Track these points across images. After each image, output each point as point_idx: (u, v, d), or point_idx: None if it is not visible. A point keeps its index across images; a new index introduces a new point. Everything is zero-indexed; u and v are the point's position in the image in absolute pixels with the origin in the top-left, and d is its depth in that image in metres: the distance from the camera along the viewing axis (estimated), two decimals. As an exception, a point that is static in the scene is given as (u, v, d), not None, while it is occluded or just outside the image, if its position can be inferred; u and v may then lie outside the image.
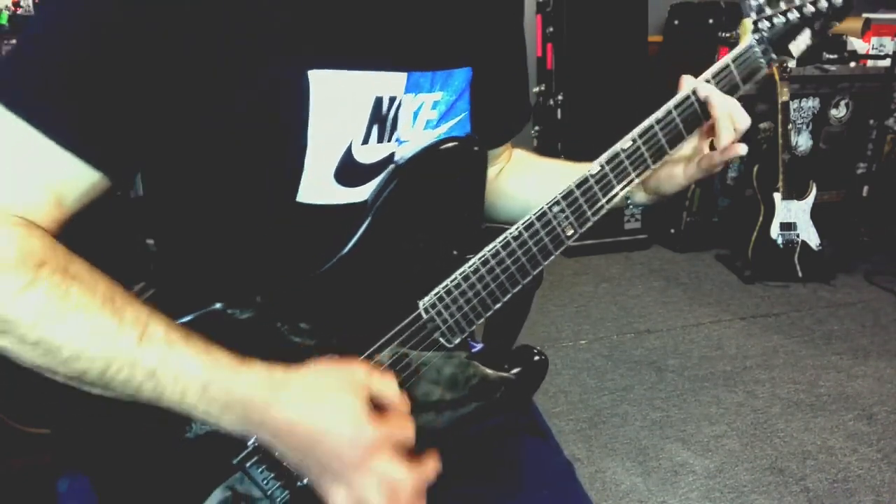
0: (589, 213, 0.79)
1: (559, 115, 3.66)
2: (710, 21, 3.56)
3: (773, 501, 1.93)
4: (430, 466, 0.69)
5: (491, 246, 0.77)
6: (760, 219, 3.32)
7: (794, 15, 0.83)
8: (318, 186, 0.72)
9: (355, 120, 0.72)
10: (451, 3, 0.79)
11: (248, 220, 0.73)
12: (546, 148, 3.72)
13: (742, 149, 0.80)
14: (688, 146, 0.84)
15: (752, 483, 2.00)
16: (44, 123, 0.60)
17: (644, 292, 3.31)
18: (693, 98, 0.80)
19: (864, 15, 3.79)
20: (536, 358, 0.85)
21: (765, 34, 0.83)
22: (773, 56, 0.84)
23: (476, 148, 0.79)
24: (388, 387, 0.69)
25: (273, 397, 0.65)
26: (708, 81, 0.81)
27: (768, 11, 0.84)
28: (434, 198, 0.79)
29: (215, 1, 0.62)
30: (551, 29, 3.59)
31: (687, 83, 0.81)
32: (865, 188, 3.58)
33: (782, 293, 3.30)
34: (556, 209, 0.78)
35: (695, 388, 2.49)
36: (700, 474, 2.04)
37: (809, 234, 3.32)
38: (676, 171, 0.85)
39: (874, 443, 2.19)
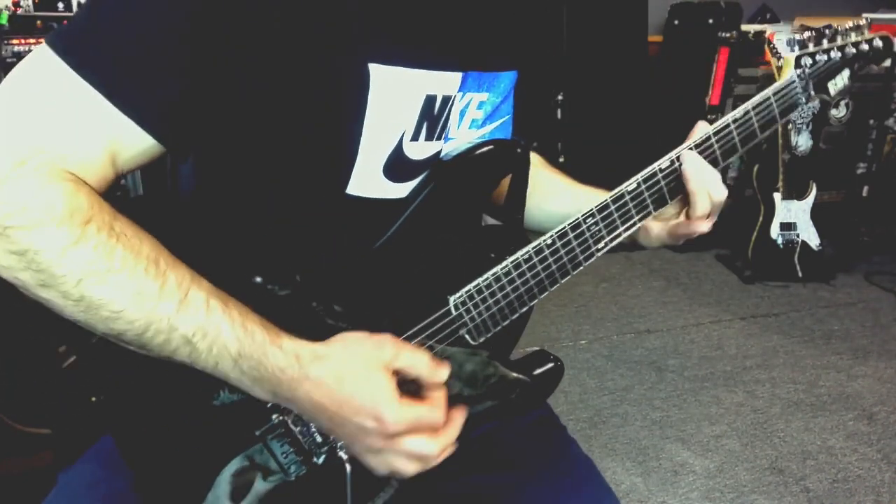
0: (621, 229, 0.81)
1: (559, 115, 3.67)
2: (710, 21, 3.56)
3: (773, 501, 1.93)
4: (458, 421, 0.71)
5: (524, 251, 0.79)
6: (760, 219, 3.32)
7: (836, 55, 0.86)
8: (368, 180, 0.74)
9: (407, 116, 0.73)
10: (503, 9, 0.82)
11: (295, 209, 0.75)
12: (546, 148, 3.73)
13: (706, 226, 0.82)
14: (672, 208, 0.85)
15: (752, 483, 2.00)
16: (109, 88, 0.60)
17: (644, 292, 3.31)
18: (679, 167, 0.82)
19: (864, 15, 3.79)
20: (553, 364, 0.88)
21: (807, 70, 0.85)
22: (812, 93, 0.86)
23: (519, 150, 0.81)
24: (418, 361, 0.69)
25: (302, 375, 0.66)
26: (747, 112, 0.82)
27: (811, 48, 0.85)
28: (474, 198, 0.81)
29: None
30: (551, 29, 3.60)
31: (700, 129, 0.83)
32: (865, 188, 3.58)
33: (782, 293, 3.30)
34: (590, 221, 0.80)
35: (695, 388, 2.49)
36: (700, 474, 2.04)
37: (809, 234, 3.32)
38: (652, 228, 0.87)
39: (874, 443, 2.19)
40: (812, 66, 0.85)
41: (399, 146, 0.74)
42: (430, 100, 0.74)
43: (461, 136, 0.82)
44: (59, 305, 0.60)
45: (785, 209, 3.29)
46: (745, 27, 3.65)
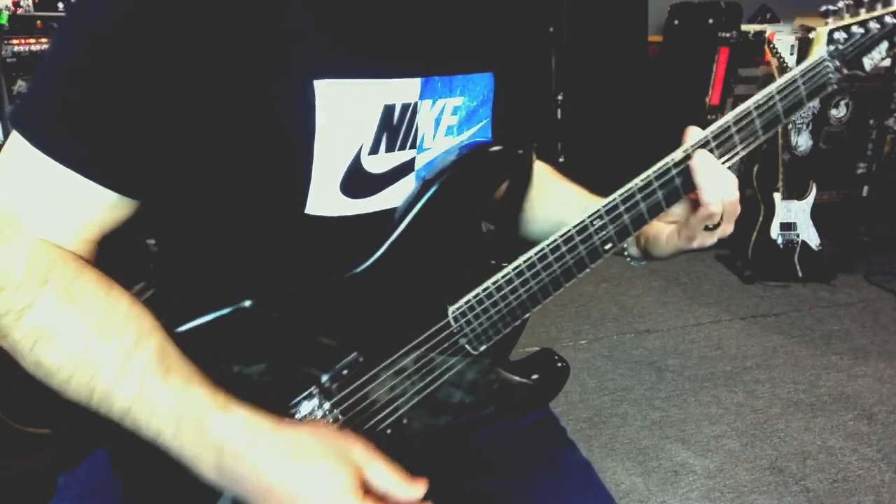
0: (631, 228, 0.76)
1: (559, 115, 3.66)
2: (710, 21, 3.56)
3: (773, 501, 1.93)
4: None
5: (526, 256, 0.76)
6: (760, 219, 3.32)
7: (875, 26, 0.74)
8: (325, 198, 0.71)
9: (363, 129, 0.70)
10: (470, 7, 0.78)
11: (258, 232, 0.73)
12: (546, 148, 3.72)
13: (716, 218, 0.74)
14: (678, 210, 0.78)
15: (752, 483, 2.00)
16: (61, 155, 0.61)
17: (644, 292, 3.31)
18: (684, 163, 0.74)
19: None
20: (558, 365, 0.86)
21: (840, 46, 0.74)
22: (845, 72, 0.76)
23: (521, 152, 0.77)
24: (390, 476, 0.62)
25: (249, 447, 0.60)
26: (771, 97, 0.74)
27: (847, 20, 0.74)
28: (473, 205, 0.78)
29: (220, 17, 0.61)
30: (551, 29, 3.59)
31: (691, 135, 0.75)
32: (865, 188, 3.58)
33: (782, 293, 3.30)
34: (597, 223, 0.75)
35: (695, 388, 2.49)
36: (700, 474, 2.04)
37: (809, 234, 3.32)
38: (661, 235, 0.81)
39: (874, 443, 2.19)
40: (846, 40, 0.74)
41: (356, 161, 0.71)
42: (388, 109, 0.70)
43: (438, 143, 0.78)
44: (31, 372, 0.62)
45: (785, 209, 3.29)
46: (745, 27, 3.65)
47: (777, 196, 3.28)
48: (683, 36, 3.76)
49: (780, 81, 0.74)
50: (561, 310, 3.08)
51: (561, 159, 3.68)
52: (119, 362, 0.61)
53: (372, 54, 0.69)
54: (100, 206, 0.64)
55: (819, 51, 0.75)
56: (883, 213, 3.78)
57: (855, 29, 0.75)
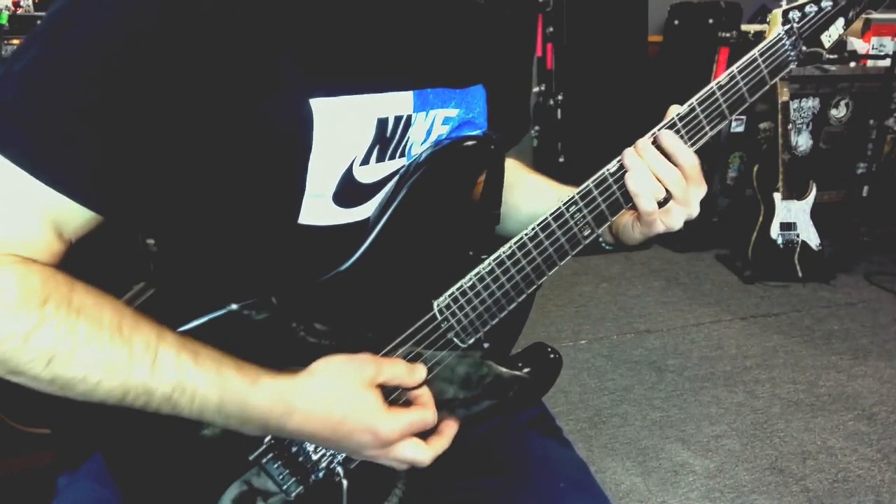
0: (607, 213, 0.77)
1: (559, 115, 3.67)
2: (710, 21, 3.56)
3: (773, 501, 1.93)
4: (450, 430, 0.76)
5: (506, 246, 0.77)
6: (760, 219, 3.32)
7: (827, 4, 0.78)
8: (318, 209, 0.72)
9: (358, 142, 0.70)
10: (462, 20, 0.78)
11: (251, 239, 0.74)
12: (546, 148, 3.73)
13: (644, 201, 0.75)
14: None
15: (752, 483, 2.00)
16: (33, 165, 0.58)
17: (644, 292, 3.31)
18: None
19: (864, 15, 3.78)
20: (551, 356, 0.86)
21: (795, 25, 0.78)
22: (804, 48, 0.79)
23: (493, 146, 0.78)
24: (397, 371, 0.72)
25: (289, 410, 0.67)
26: (733, 77, 0.77)
27: (801, 0, 0.79)
28: (450, 198, 0.79)
29: (214, 38, 0.60)
30: (551, 29, 3.60)
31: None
32: (865, 188, 3.58)
33: (782, 293, 3.30)
34: (573, 209, 0.76)
35: (695, 388, 2.49)
36: (700, 474, 2.04)
37: (809, 234, 3.32)
38: (629, 223, 0.82)
39: (874, 443, 2.19)
40: (801, 19, 0.78)
41: (349, 172, 0.71)
42: (382, 123, 0.71)
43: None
44: (34, 387, 0.61)
45: (785, 209, 3.29)
46: (745, 27, 3.65)
47: (777, 196, 3.28)
48: (683, 36, 3.76)
49: (741, 61, 0.78)
50: (561, 310, 3.08)
51: (561, 159, 3.68)
52: (150, 356, 0.62)
53: (365, 70, 0.69)
54: (78, 221, 0.62)
55: (776, 31, 0.78)
56: (883, 213, 3.78)
57: (809, 8, 0.79)
